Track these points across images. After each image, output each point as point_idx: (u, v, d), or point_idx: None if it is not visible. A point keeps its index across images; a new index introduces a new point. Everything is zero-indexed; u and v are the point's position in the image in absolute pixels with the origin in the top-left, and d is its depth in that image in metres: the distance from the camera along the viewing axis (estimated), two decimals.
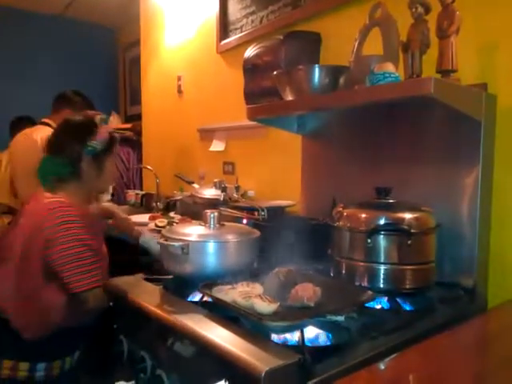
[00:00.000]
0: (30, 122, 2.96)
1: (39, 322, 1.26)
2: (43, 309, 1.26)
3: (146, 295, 1.11)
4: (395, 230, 1.07)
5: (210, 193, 2.01)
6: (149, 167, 2.97)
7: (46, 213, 1.25)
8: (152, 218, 2.18)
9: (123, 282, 1.22)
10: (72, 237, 1.23)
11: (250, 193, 2.10)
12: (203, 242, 1.12)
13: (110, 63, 4.55)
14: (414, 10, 1.14)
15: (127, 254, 1.64)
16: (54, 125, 2.18)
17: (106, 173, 1.40)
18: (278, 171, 2.00)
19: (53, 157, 1.35)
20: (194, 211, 2.05)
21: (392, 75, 1.10)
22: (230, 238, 1.14)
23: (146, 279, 1.24)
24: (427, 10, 1.13)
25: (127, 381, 1.04)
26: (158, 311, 1.01)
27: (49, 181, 1.34)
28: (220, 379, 0.77)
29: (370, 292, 0.96)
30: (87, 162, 1.35)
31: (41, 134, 2.11)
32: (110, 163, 1.41)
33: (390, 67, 1.11)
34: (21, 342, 1.24)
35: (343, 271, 1.15)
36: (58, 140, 1.38)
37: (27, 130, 2.31)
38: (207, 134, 2.58)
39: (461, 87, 1.15)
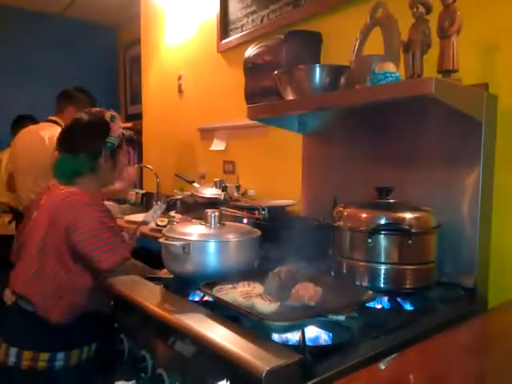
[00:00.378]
0: (31, 120, 2.96)
1: (65, 306, 1.31)
2: (68, 292, 1.31)
3: (147, 294, 1.11)
4: (396, 229, 1.07)
5: (210, 192, 2.01)
6: (149, 166, 2.97)
7: (61, 202, 1.32)
8: None
9: (124, 281, 1.22)
10: (92, 219, 1.30)
11: (251, 192, 2.10)
12: (204, 241, 1.12)
13: (111, 62, 4.55)
14: (415, 9, 1.13)
15: None
16: (61, 122, 2.19)
17: (119, 166, 1.49)
18: (279, 170, 2.00)
19: (70, 155, 1.42)
20: (194, 210, 2.05)
21: (393, 75, 1.10)
22: (231, 237, 1.15)
23: (147, 278, 1.24)
24: (428, 9, 1.13)
25: (128, 380, 1.04)
26: (159, 310, 1.01)
27: (66, 177, 1.41)
28: (220, 379, 0.78)
29: (370, 292, 0.96)
30: (104, 157, 1.43)
31: (48, 132, 2.12)
32: (122, 157, 1.51)
33: (390, 67, 1.11)
34: (41, 332, 1.30)
35: (344, 271, 1.15)
36: (74, 139, 1.44)
37: (33, 127, 2.31)
38: (208, 134, 2.58)
39: (462, 87, 1.15)
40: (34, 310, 1.30)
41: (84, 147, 1.41)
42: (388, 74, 1.09)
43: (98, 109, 1.52)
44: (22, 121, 3.05)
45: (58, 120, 2.24)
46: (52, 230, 1.30)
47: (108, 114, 1.46)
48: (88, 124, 1.45)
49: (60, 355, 1.31)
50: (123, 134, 1.51)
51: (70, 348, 1.33)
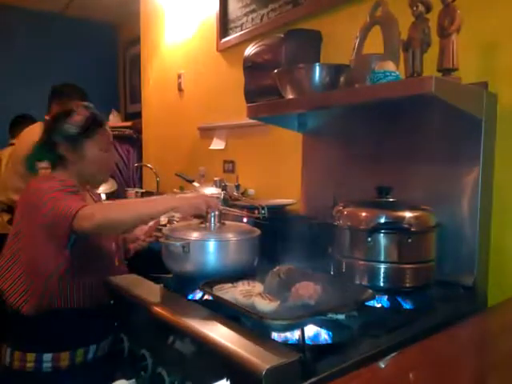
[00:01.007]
0: (30, 120, 2.96)
1: (37, 295, 1.26)
2: (40, 278, 1.26)
3: (147, 293, 1.11)
4: (395, 228, 1.07)
5: (210, 191, 2.01)
6: (149, 165, 2.97)
7: (27, 189, 1.33)
8: None
9: (124, 279, 1.22)
10: (53, 186, 1.26)
11: (251, 191, 2.11)
12: (204, 240, 1.13)
13: (111, 61, 4.54)
14: (414, 8, 1.13)
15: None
16: None
17: (88, 159, 1.36)
18: (279, 169, 2.00)
19: (36, 145, 1.39)
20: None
21: (393, 74, 1.10)
22: (231, 236, 1.15)
23: (147, 277, 1.24)
24: (428, 8, 1.13)
25: (128, 379, 1.04)
26: (159, 309, 1.01)
27: (34, 169, 1.38)
28: (220, 377, 0.78)
29: (370, 291, 0.96)
30: (65, 148, 1.34)
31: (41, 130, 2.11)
32: (91, 148, 1.36)
33: (390, 66, 1.11)
34: (29, 332, 1.27)
35: (343, 270, 1.15)
36: (42, 129, 1.42)
37: (33, 125, 2.31)
38: (207, 133, 2.58)
39: (462, 86, 1.15)
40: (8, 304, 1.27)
41: (42, 136, 1.37)
42: (388, 73, 1.09)
43: (79, 102, 1.44)
44: (21, 121, 3.04)
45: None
46: (20, 216, 1.31)
47: (79, 104, 1.39)
48: (53, 115, 1.42)
49: (47, 356, 1.26)
50: (95, 122, 1.37)
51: (58, 349, 1.27)
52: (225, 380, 0.75)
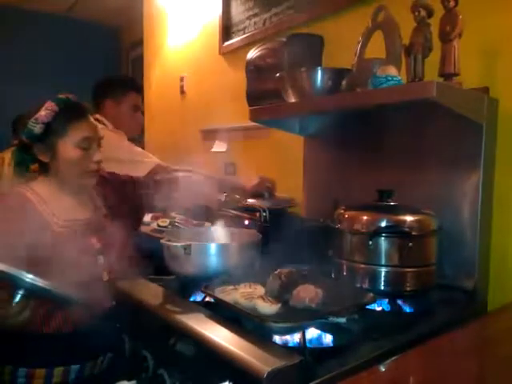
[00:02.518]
0: None
1: None
2: None
3: (149, 295, 1.12)
4: (396, 232, 1.07)
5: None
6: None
7: None
8: (154, 218, 2.19)
9: (126, 281, 1.22)
10: None
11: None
12: (205, 243, 1.13)
13: (113, 63, 4.56)
14: (416, 13, 1.14)
15: None
16: (102, 119, 1.96)
17: (62, 159, 1.20)
18: (280, 172, 2.00)
19: (14, 148, 1.27)
20: (195, 212, 2.05)
21: (394, 78, 1.10)
22: (232, 239, 1.15)
23: (149, 279, 1.25)
24: (430, 13, 1.14)
25: (129, 380, 1.05)
26: (161, 311, 1.01)
27: (17, 171, 1.25)
28: (221, 379, 0.78)
29: (371, 294, 0.96)
30: (37, 149, 1.20)
31: None
32: (63, 147, 1.19)
33: (392, 70, 1.12)
34: (6, 342, 1.11)
35: (344, 273, 1.15)
36: None
37: None
38: (209, 135, 2.58)
39: (463, 91, 1.15)
40: None
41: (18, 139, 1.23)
42: (390, 78, 1.10)
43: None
44: (25, 119, 3.05)
45: (99, 117, 1.93)
46: None
47: (55, 98, 1.21)
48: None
49: (22, 371, 1.12)
50: (66, 118, 1.20)
51: (32, 366, 1.12)
52: (227, 382, 0.75)
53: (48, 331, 0.98)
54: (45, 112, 1.18)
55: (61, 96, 1.22)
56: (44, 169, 1.23)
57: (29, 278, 0.86)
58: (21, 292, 0.89)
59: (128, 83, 2.13)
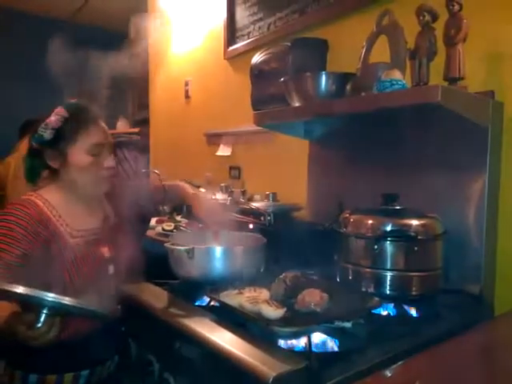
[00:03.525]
0: None
1: None
2: None
3: (154, 299, 1.12)
4: (402, 236, 1.07)
5: (216, 197, 2.02)
6: (156, 171, 2.98)
7: None
8: (159, 222, 2.19)
9: (131, 285, 1.23)
10: None
11: (256, 197, 2.11)
12: (208, 247, 1.14)
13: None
14: (421, 17, 1.14)
15: None
16: None
17: (73, 165, 1.18)
18: (284, 176, 2.01)
19: (25, 154, 1.25)
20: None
21: (399, 82, 1.11)
22: (235, 244, 1.15)
23: (154, 283, 1.25)
24: (434, 17, 1.14)
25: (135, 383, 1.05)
26: (166, 315, 1.02)
27: (33, 179, 1.24)
28: (227, 383, 0.78)
29: (376, 298, 0.96)
30: (48, 155, 1.19)
31: None
32: (74, 153, 1.17)
33: (397, 74, 1.12)
34: (18, 348, 1.08)
35: (349, 277, 1.15)
36: None
37: None
38: (214, 139, 2.59)
39: (468, 95, 1.15)
40: None
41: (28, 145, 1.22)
42: (394, 82, 1.10)
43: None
44: (32, 125, 3.07)
45: None
46: None
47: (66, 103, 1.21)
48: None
49: (33, 377, 1.13)
50: (74, 124, 1.18)
51: (43, 372, 1.14)
52: None
53: (60, 339, 0.99)
54: (55, 117, 1.18)
55: (71, 101, 1.22)
56: (55, 175, 1.22)
57: (50, 296, 0.87)
58: (45, 311, 0.90)
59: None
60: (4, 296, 0.97)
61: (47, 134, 1.17)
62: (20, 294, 0.86)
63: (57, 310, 0.92)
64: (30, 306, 0.94)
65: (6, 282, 1.02)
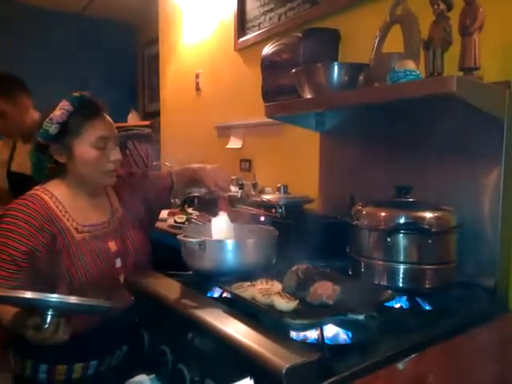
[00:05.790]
0: None
1: None
2: None
3: (167, 290, 1.13)
4: (416, 229, 1.06)
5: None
6: (167, 164, 3.00)
7: None
8: (171, 214, 2.21)
9: (144, 277, 1.24)
10: None
11: (268, 190, 2.11)
12: (219, 239, 1.14)
13: (129, 61, 4.60)
14: (435, 6, 1.12)
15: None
16: None
17: (78, 159, 1.18)
18: (296, 168, 2.00)
19: (30, 148, 1.26)
20: (212, 208, 2.06)
21: (413, 73, 1.09)
22: (247, 236, 1.16)
23: (167, 274, 1.26)
24: (449, 6, 1.12)
25: (148, 374, 1.06)
26: (179, 306, 1.02)
27: (41, 174, 1.25)
28: (240, 375, 0.78)
29: (389, 291, 0.96)
30: (53, 149, 1.19)
31: None
32: (79, 146, 1.17)
33: (411, 65, 1.10)
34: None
35: (362, 270, 1.15)
36: None
37: None
38: (225, 131, 2.59)
39: (483, 85, 1.13)
40: None
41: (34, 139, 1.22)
42: (408, 72, 1.08)
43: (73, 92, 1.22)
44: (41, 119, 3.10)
45: None
46: None
47: (71, 96, 1.19)
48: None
49: (43, 367, 1.17)
50: (80, 116, 1.17)
51: (53, 362, 1.17)
52: (248, 379, 0.75)
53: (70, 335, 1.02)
54: (59, 111, 1.16)
55: (75, 94, 1.20)
56: (61, 170, 1.22)
57: (53, 297, 0.89)
58: (50, 312, 0.92)
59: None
60: (7, 302, 1.00)
61: (52, 129, 1.16)
62: (23, 299, 0.88)
63: (62, 310, 0.94)
64: (34, 308, 0.96)
65: (8, 286, 1.07)
